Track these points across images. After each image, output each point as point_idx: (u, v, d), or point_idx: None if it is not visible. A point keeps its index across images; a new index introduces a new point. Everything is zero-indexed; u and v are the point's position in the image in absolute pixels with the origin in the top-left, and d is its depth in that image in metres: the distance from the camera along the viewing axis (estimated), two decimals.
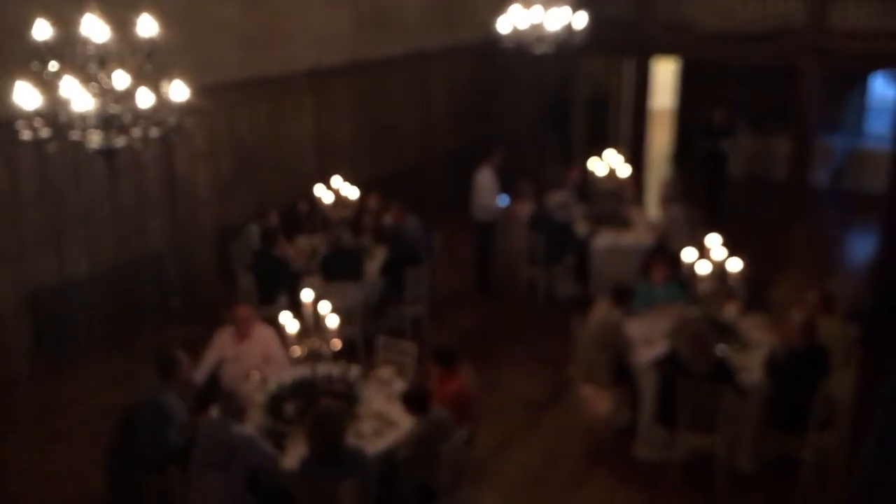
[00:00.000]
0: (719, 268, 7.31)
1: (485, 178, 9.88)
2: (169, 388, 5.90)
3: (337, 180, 9.71)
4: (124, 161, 8.19)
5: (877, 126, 16.32)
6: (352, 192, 9.57)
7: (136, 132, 4.44)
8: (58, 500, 6.42)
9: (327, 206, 9.49)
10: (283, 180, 10.60)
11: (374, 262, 8.91)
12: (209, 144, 9.50)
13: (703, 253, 7.49)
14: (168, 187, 9.21)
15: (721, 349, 6.57)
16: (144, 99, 4.43)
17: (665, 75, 16.68)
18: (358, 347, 8.17)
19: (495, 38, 9.44)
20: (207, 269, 9.82)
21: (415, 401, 5.70)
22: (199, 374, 6.59)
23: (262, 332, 6.83)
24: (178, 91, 4.60)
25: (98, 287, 8.61)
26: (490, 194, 9.86)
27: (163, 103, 4.58)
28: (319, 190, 9.62)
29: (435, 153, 13.31)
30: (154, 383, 5.93)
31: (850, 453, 3.49)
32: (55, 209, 8.27)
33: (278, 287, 8.30)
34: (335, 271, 8.39)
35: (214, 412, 5.74)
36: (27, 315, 8.16)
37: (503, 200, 10.22)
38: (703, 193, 12.38)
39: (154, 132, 4.52)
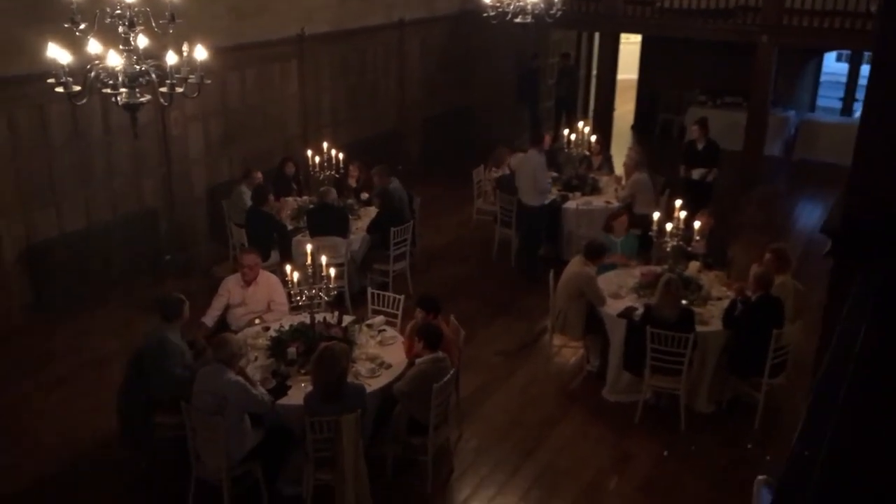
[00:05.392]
0: (683, 227, 7.89)
1: (538, 161, 9.48)
2: (173, 328, 6.20)
3: (323, 143, 10.10)
4: (120, 122, 8.53)
5: (827, 100, 17.12)
6: (337, 155, 9.96)
7: (163, 89, 4.82)
8: (75, 438, 6.78)
9: (313, 168, 9.90)
10: (269, 143, 10.98)
11: (359, 222, 9.34)
12: (200, 107, 9.79)
13: (669, 214, 8.08)
14: (161, 148, 9.51)
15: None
16: (170, 58, 4.81)
17: (629, 48, 17.26)
18: (346, 300, 8.65)
19: (470, 10, 9.80)
20: (198, 226, 10.17)
21: (433, 336, 6.15)
22: (209, 319, 6.99)
23: (267, 278, 7.22)
24: (199, 52, 4.98)
25: (94, 242, 8.92)
26: (545, 177, 9.59)
27: (185, 62, 4.95)
28: (306, 152, 10.01)
29: (411, 119, 13.74)
30: (158, 325, 6.24)
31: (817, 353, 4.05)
32: (53, 166, 8.54)
33: (270, 243, 8.71)
34: (319, 226, 8.76)
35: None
36: (27, 268, 8.45)
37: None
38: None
39: (178, 90, 4.89)
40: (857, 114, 15.83)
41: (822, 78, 16.92)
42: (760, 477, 3.23)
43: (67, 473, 6.41)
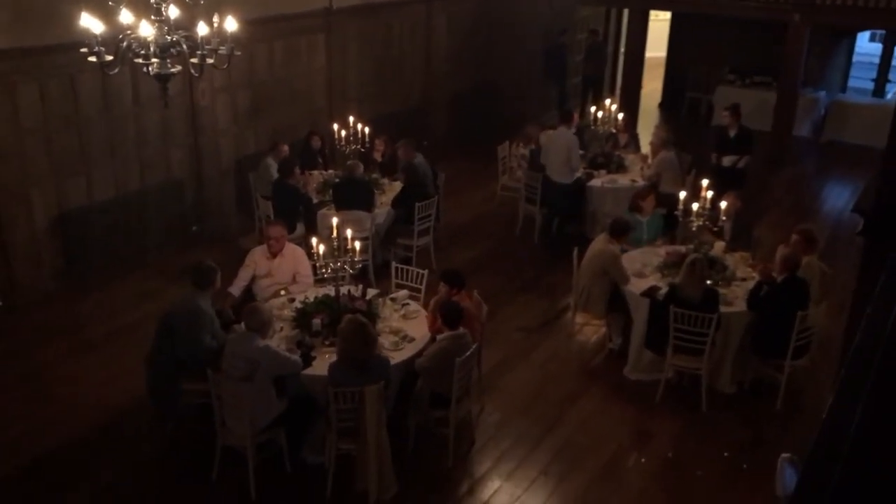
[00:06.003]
0: (710, 208, 7.84)
1: (572, 139, 9.52)
2: (205, 296, 6.27)
3: (349, 117, 10.12)
4: (150, 92, 8.59)
5: (859, 81, 16.82)
6: (362, 130, 9.97)
7: (194, 60, 4.85)
8: (104, 404, 6.91)
9: (339, 142, 9.92)
10: (295, 116, 10.99)
11: (384, 196, 9.36)
12: (228, 79, 9.81)
13: (695, 193, 8.03)
14: (189, 119, 9.56)
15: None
16: (201, 29, 4.83)
17: (657, 25, 17.06)
18: (370, 273, 8.71)
19: None
20: (225, 197, 10.23)
21: (452, 315, 6.17)
22: (235, 289, 7.07)
23: (292, 250, 7.29)
24: (230, 23, 5.01)
25: (123, 211, 9.03)
26: (577, 154, 9.65)
27: (215, 34, 4.97)
28: (332, 126, 10.03)
29: (437, 95, 13.70)
30: (189, 292, 6.29)
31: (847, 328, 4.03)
32: (84, 135, 8.62)
33: (296, 215, 8.77)
34: (346, 200, 8.80)
35: (240, 327, 6.14)
36: (58, 235, 8.57)
37: None
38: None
39: (209, 61, 4.91)
40: (890, 95, 15.61)
41: (855, 58, 16.64)
42: (785, 455, 3.24)
43: (96, 438, 6.53)
